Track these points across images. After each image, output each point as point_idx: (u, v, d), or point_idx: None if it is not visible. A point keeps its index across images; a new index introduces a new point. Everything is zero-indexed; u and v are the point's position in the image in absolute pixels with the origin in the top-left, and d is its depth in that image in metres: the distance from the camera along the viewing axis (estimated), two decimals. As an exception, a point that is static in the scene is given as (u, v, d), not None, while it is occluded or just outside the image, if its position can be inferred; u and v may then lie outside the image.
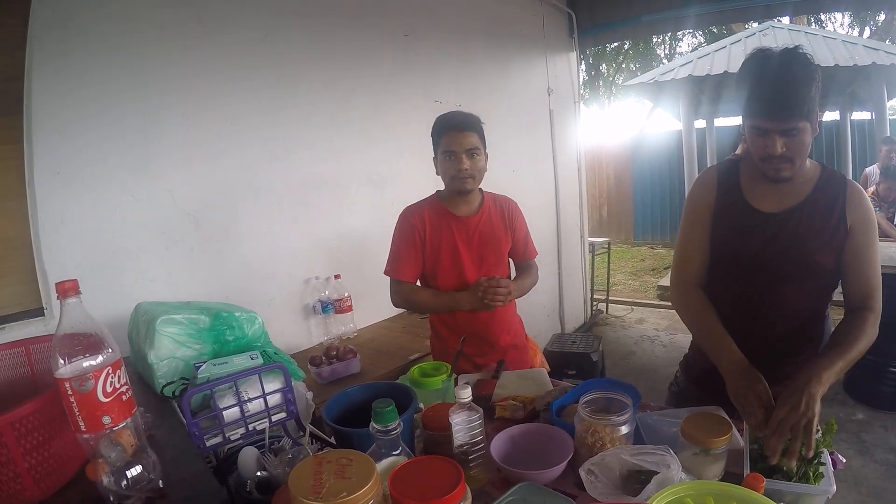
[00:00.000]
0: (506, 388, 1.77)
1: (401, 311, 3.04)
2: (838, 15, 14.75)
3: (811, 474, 1.14)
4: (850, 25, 15.19)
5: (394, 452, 1.03)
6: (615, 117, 17.80)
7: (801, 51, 1.37)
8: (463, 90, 3.83)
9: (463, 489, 0.85)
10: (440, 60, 3.71)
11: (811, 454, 1.14)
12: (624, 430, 1.28)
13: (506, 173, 4.08)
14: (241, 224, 2.53)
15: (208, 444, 1.16)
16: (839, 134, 9.05)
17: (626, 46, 16.05)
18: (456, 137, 1.96)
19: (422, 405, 1.46)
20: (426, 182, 2.19)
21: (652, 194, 11.16)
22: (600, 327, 6.20)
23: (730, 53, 7.22)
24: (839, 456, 1.40)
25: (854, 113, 9.07)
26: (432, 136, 2.05)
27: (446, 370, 1.77)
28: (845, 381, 4.16)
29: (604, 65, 16.94)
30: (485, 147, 2.04)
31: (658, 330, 5.99)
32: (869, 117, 8.38)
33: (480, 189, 2.18)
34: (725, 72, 6.60)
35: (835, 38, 7.52)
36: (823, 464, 1.17)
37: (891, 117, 9.92)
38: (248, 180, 2.54)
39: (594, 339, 4.07)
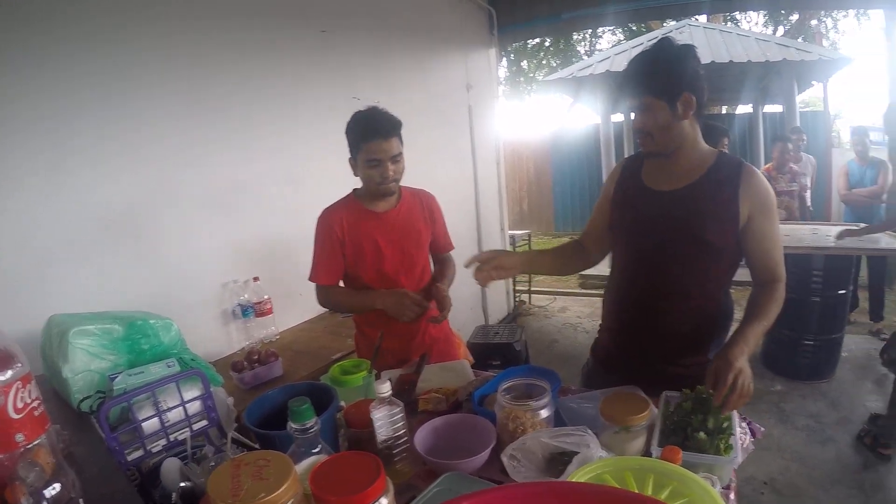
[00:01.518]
0: (429, 381, 1.83)
1: (323, 311, 3.09)
2: (753, 14, 15.63)
3: (721, 446, 1.26)
4: (765, 24, 16.11)
5: (313, 451, 1.06)
6: (536, 112, 18.20)
7: (669, 41, 1.56)
8: (381, 86, 3.83)
9: (383, 482, 0.87)
10: (358, 56, 3.69)
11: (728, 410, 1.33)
12: (544, 413, 1.36)
13: (425, 168, 4.10)
14: (156, 229, 2.46)
15: (130, 458, 1.15)
16: (752, 125, 9.83)
17: (546, 43, 16.42)
18: (381, 145, 1.96)
19: (343, 403, 1.49)
20: (344, 180, 2.18)
21: (571, 186, 11.72)
22: (524, 318, 6.41)
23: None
24: (757, 426, 1.60)
25: (766, 106, 9.83)
26: (349, 137, 2.03)
27: (367, 367, 1.81)
28: (763, 355, 4.57)
29: (525, 61, 17.26)
30: (402, 144, 2.06)
31: (580, 317, 6.27)
32: (780, 110, 9.00)
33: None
34: None
35: (748, 35, 8.12)
36: (732, 434, 1.30)
37: (802, 110, 10.79)
38: (163, 184, 2.47)
39: (517, 329, 4.21)
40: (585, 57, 14.75)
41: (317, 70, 3.35)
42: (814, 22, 14.68)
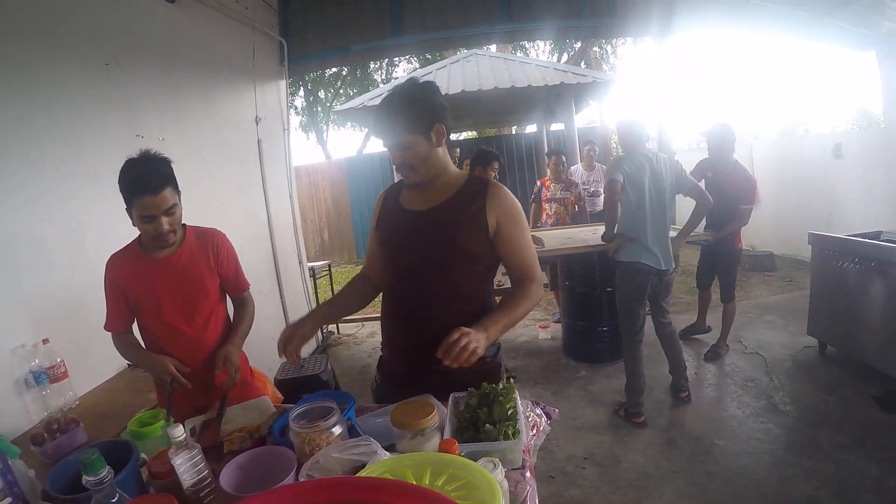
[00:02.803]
0: (231, 422, 1.82)
1: (122, 366, 2.96)
2: (541, 43, 17.12)
3: (510, 432, 1.42)
4: (551, 52, 17.77)
5: (112, 501, 1.05)
6: (333, 142, 18.44)
7: (414, 80, 1.80)
8: (167, 122, 3.67)
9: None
10: (144, 91, 3.51)
11: (450, 363, 1.55)
12: (336, 431, 1.43)
13: (215, 206, 4.02)
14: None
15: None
16: (538, 143, 11.05)
17: (344, 72, 16.69)
18: (152, 201, 1.88)
19: (145, 456, 1.46)
20: (130, 225, 2.08)
21: (370, 213, 11.67)
22: (334, 347, 6.47)
23: (434, 79, 7.99)
24: (552, 409, 1.84)
25: (552, 125, 11.10)
26: (120, 188, 1.91)
27: (163, 416, 1.78)
28: (564, 347, 5.23)
29: (322, 90, 17.37)
30: (178, 191, 1.99)
31: None
32: (562, 128, 10.00)
33: (183, 224, 2.17)
34: None
35: (530, 63, 9.05)
36: (517, 420, 1.48)
37: (589, 125, 12.11)
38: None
39: (322, 359, 4.26)
40: (382, 85, 15.25)
41: (100, 106, 3.14)
42: (595, 49, 16.49)
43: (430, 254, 1.80)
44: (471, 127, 13.06)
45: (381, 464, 1.17)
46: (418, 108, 1.72)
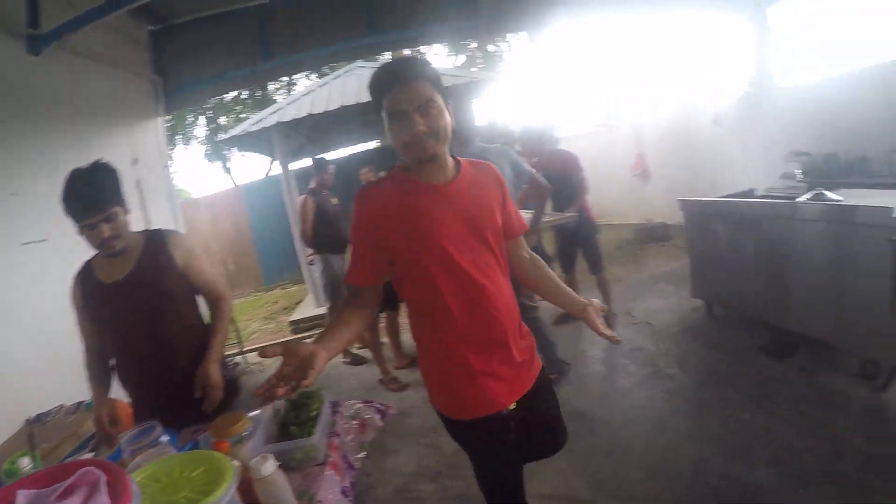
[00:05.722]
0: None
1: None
2: (438, 46, 17.27)
3: (314, 432, 1.83)
4: (448, 54, 17.99)
5: None
6: (230, 169, 18.17)
7: (93, 165, 2.15)
8: (40, 176, 3.72)
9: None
10: (14, 147, 3.60)
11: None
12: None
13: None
14: None
15: None
16: None
17: (243, 96, 16.49)
18: (401, 93, 1.56)
19: None
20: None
21: (272, 238, 12.07)
22: (242, 378, 6.36)
23: (316, 96, 8.14)
24: (389, 407, 2.34)
25: None
26: (374, 100, 1.66)
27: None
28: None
29: (223, 116, 17.13)
30: (445, 98, 1.65)
31: None
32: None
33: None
34: (309, 114, 7.55)
35: None
36: (317, 422, 1.89)
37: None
38: None
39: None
40: (281, 100, 15.12)
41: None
42: (491, 47, 16.79)
43: (143, 298, 2.16)
44: (363, 139, 13.03)
45: (161, 461, 1.47)
46: (107, 187, 2.11)
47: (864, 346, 3.48)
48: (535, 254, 2.01)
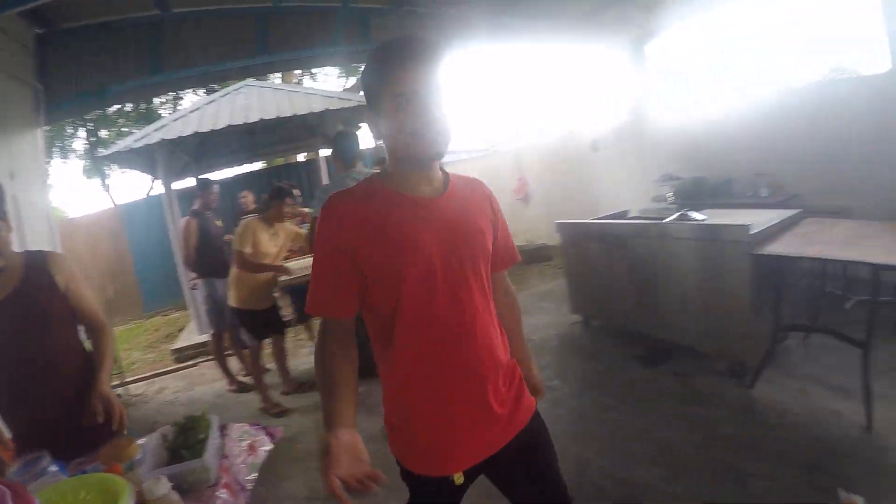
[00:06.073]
0: None
1: None
2: (329, 69, 17.50)
3: (203, 453, 1.86)
4: (339, 76, 18.00)
5: None
6: (122, 186, 17.23)
7: None
8: None
9: None
10: None
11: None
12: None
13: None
14: None
15: None
16: (314, 169, 11.45)
17: (127, 108, 15.77)
18: (419, 72, 1.28)
19: None
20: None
21: (154, 262, 10.96)
22: (126, 410, 6.10)
23: (203, 113, 8.04)
24: (276, 429, 2.37)
25: (321, 150, 11.44)
26: (367, 81, 1.37)
27: None
28: None
29: (104, 130, 16.31)
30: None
31: (177, 392, 6.28)
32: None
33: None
34: (196, 132, 7.32)
35: (297, 91, 9.22)
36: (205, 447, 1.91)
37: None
38: None
39: None
40: (167, 116, 14.65)
41: None
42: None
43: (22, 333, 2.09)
44: (249, 160, 12.65)
45: (54, 487, 1.54)
46: None
47: (730, 349, 3.87)
48: (513, 295, 1.80)
